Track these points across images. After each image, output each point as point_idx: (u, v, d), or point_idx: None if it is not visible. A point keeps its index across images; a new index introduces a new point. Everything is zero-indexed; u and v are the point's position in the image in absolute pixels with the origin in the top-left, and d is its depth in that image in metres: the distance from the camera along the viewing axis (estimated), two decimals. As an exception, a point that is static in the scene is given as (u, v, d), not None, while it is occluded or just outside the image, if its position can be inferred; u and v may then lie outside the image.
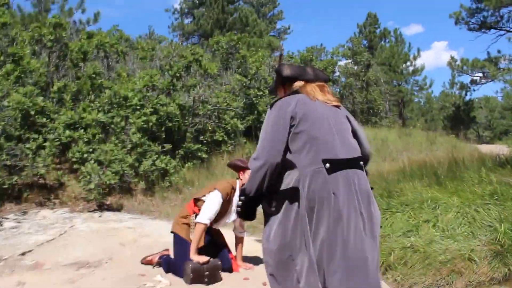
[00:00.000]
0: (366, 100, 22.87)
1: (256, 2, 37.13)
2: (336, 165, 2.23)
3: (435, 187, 7.43)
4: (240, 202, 2.40)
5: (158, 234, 6.43)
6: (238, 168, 4.53)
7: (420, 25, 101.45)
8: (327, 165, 2.21)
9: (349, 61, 24.11)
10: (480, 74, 23.63)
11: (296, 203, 2.21)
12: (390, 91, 28.15)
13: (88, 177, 8.28)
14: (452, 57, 24.65)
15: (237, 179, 4.58)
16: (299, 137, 2.28)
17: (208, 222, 4.26)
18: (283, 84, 2.61)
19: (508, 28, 24.21)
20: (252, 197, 2.33)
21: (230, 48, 16.45)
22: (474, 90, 35.08)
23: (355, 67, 23.46)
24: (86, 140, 8.92)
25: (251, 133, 13.30)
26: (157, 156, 9.39)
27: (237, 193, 4.40)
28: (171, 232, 4.59)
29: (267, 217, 2.36)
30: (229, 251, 4.73)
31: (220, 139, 12.12)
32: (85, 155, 8.71)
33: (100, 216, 7.89)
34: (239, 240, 4.91)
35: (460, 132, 26.40)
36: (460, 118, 31.30)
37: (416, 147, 14.84)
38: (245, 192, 2.36)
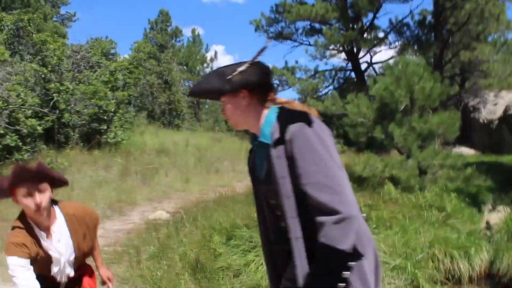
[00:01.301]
0: (169, 101, 21.60)
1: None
2: None
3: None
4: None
5: None
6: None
7: (200, 27, 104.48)
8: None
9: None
10: (277, 82, 24.63)
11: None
12: (187, 92, 27.45)
13: None
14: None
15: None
16: None
17: None
18: (251, 90, 1.87)
19: (302, 41, 25.87)
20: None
21: (17, 30, 13.41)
22: None
23: (157, 65, 21.99)
24: None
25: (53, 137, 10.84)
26: None
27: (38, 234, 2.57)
28: None
29: None
30: None
31: (13, 144, 9.45)
32: None
33: None
34: None
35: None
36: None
37: (234, 154, 14.19)
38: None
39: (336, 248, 1.58)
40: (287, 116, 1.80)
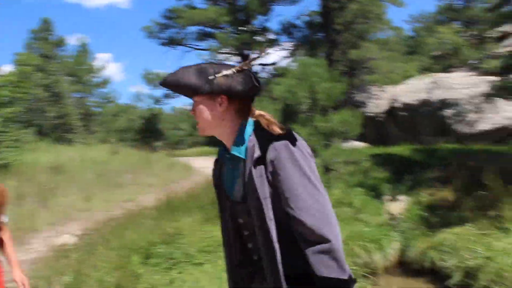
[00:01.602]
0: (60, 115, 20.37)
1: None
2: None
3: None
4: None
5: None
6: None
7: (85, 35, 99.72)
8: None
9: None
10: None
11: None
12: (77, 104, 26.15)
13: None
14: (147, 71, 24.60)
15: None
16: None
17: None
18: (231, 98, 1.71)
19: (194, 46, 25.73)
20: None
21: None
22: (166, 104, 36.41)
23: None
24: None
25: None
26: None
27: None
28: None
29: None
30: None
31: None
32: None
33: None
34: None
35: (151, 144, 26.59)
36: (149, 131, 31.65)
37: (134, 167, 13.68)
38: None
39: (341, 279, 1.53)
40: (266, 132, 1.69)
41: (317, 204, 1.57)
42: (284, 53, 25.68)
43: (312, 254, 1.55)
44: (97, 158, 14.37)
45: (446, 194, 7.48)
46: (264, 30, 25.13)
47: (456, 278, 5.02)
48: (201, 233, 6.05)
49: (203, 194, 8.25)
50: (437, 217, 6.60)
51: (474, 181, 7.28)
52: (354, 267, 5.37)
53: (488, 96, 17.38)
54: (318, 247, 1.54)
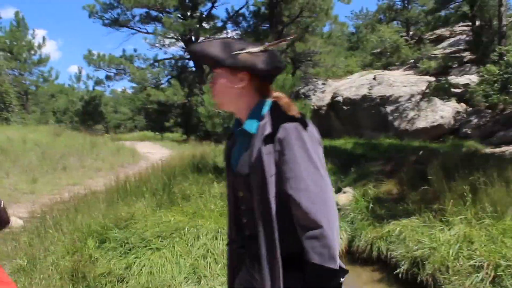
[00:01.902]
0: (-4, 93, 19.47)
1: None
2: None
3: (173, 208, 6.58)
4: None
5: None
6: None
7: (18, 9, 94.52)
8: None
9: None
10: (115, 71, 23.71)
11: None
12: (13, 82, 24.98)
13: None
14: (89, 51, 23.80)
15: None
16: None
17: None
18: (252, 75, 1.74)
19: (139, 28, 25.21)
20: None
21: None
22: (108, 86, 35.01)
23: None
24: None
25: None
26: None
27: None
28: None
29: None
30: None
31: None
32: None
33: None
34: None
35: (91, 127, 25.91)
36: (89, 113, 30.73)
37: (79, 150, 13.35)
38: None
39: (329, 268, 1.56)
40: (281, 113, 1.71)
41: (317, 188, 1.59)
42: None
43: (305, 239, 1.59)
44: (39, 139, 13.89)
45: (391, 187, 7.89)
46: (211, 17, 25.08)
47: (404, 267, 5.33)
48: (154, 218, 6.06)
49: (153, 179, 8.25)
50: (384, 209, 6.96)
51: (417, 176, 7.71)
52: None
53: (426, 96, 18.32)
54: (311, 232, 1.57)
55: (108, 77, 24.70)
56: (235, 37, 25.42)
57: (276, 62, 1.75)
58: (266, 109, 1.75)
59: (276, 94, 1.83)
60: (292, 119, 1.67)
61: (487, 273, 4.46)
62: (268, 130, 1.66)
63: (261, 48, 1.73)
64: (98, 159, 12.36)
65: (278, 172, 1.64)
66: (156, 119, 28.00)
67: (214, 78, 1.79)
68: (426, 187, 6.99)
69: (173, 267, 4.84)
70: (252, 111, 1.78)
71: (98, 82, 25.92)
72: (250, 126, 1.75)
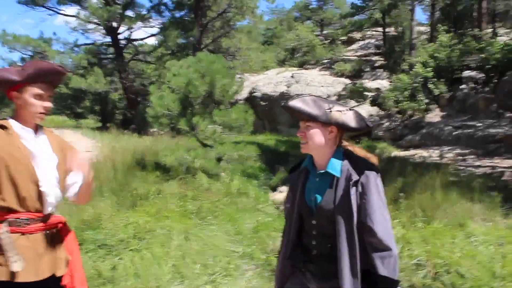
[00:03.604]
0: None
1: None
2: None
3: (136, 208, 6.86)
4: None
5: None
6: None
7: None
8: None
9: None
10: (32, 53, 22.55)
11: None
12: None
13: None
14: (4, 31, 22.34)
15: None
16: None
17: None
18: (339, 130, 2.27)
19: (58, 10, 24.11)
20: None
21: None
22: None
23: None
24: None
25: None
26: None
27: (20, 131, 2.34)
28: None
29: None
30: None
31: None
32: None
33: None
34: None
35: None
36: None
37: None
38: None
39: (394, 280, 2.13)
40: (359, 161, 2.23)
41: (386, 221, 2.15)
42: (153, 30, 25.55)
43: (378, 258, 2.12)
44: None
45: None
46: (134, 5, 24.62)
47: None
48: (121, 219, 6.29)
49: (103, 177, 8.34)
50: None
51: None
52: (265, 255, 5.83)
53: (342, 98, 19.65)
54: (384, 253, 2.11)
55: (23, 60, 23.44)
56: (158, 26, 25.26)
57: (360, 121, 2.22)
58: (341, 156, 2.26)
59: (347, 143, 2.36)
60: (369, 167, 2.20)
61: (429, 271, 5.35)
62: (355, 177, 2.17)
63: (348, 108, 2.23)
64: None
65: (358, 208, 2.17)
66: (69, 105, 27.04)
67: (305, 128, 2.26)
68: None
69: (156, 268, 5.19)
70: (333, 158, 2.26)
71: (11, 65, 24.44)
72: (335, 170, 2.23)
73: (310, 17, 36.88)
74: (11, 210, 2.23)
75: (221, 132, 9.29)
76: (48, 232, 2.37)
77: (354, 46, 31.18)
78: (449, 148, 13.66)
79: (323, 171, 2.29)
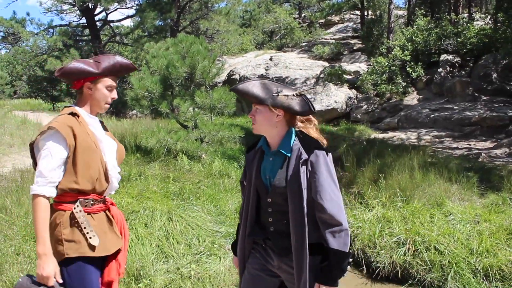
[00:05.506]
0: None
1: None
2: None
3: (118, 190, 6.82)
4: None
5: None
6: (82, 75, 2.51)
7: None
8: None
9: None
10: (4, 34, 21.99)
11: None
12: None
13: None
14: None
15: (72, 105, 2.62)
16: None
17: (50, 191, 2.34)
18: (289, 115, 2.43)
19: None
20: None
21: None
22: None
23: None
24: None
25: None
26: None
27: (88, 119, 2.57)
28: None
29: None
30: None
31: None
32: None
33: None
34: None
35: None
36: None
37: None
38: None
39: (346, 252, 2.30)
40: (310, 141, 2.37)
41: (336, 198, 2.29)
42: (130, 12, 25.15)
43: (330, 233, 2.28)
44: None
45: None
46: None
47: (335, 244, 6.20)
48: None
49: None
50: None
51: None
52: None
53: (321, 80, 19.71)
54: (335, 228, 2.28)
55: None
56: (135, 7, 24.88)
57: (306, 106, 2.33)
58: (293, 137, 2.39)
59: (301, 124, 2.48)
60: (319, 146, 2.34)
61: (408, 248, 5.49)
62: (304, 155, 2.30)
63: (295, 92, 2.33)
64: (5, 133, 11.73)
65: (309, 186, 2.30)
66: (44, 88, 26.49)
67: (255, 111, 2.41)
68: (344, 172, 7.95)
69: (140, 248, 5.21)
70: (284, 138, 2.40)
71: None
72: (285, 150, 2.37)
73: (289, 0, 36.70)
74: (81, 192, 2.45)
75: (202, 113, 9.25)
76: (107, 211, 2.62)
77: (333, 29, 31.26)
78: (427, 130, 13.89)
79: (275, 150, 2.43)
